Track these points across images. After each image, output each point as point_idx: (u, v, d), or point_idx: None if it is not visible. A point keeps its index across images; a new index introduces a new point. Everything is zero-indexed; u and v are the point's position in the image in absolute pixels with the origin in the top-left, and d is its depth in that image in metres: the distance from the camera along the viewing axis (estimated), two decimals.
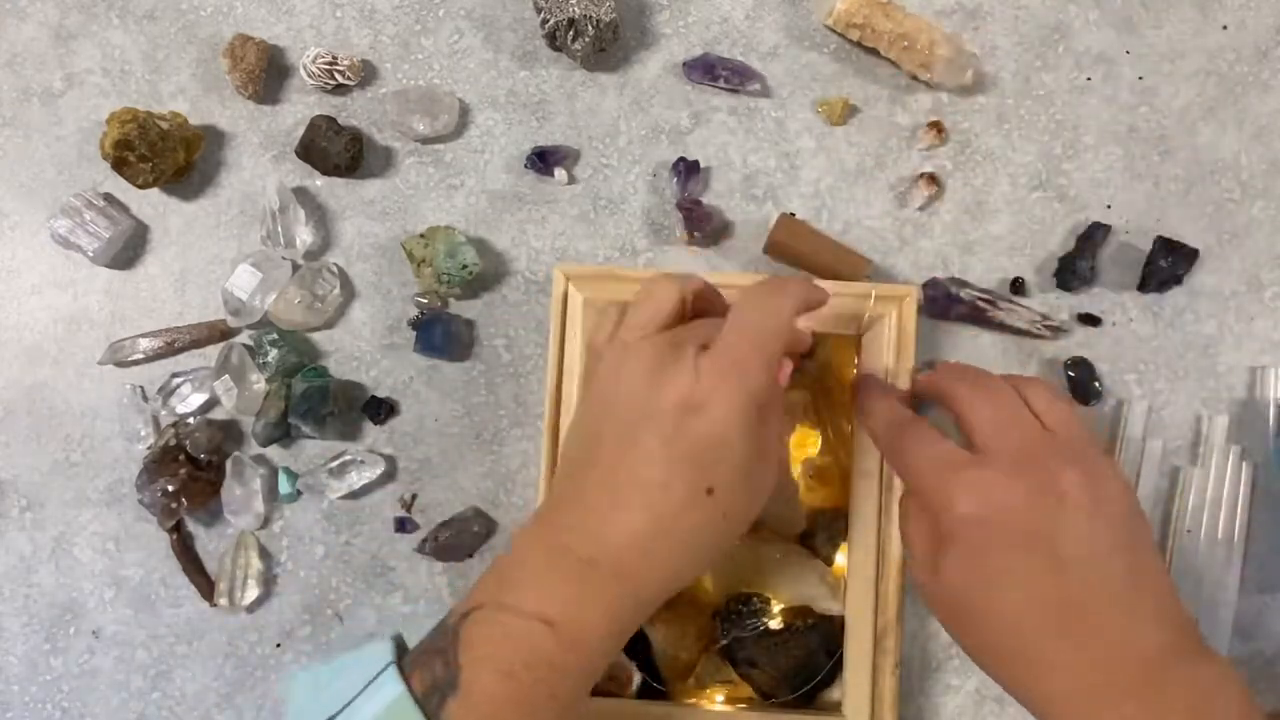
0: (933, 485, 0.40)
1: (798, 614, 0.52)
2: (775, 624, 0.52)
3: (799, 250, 0.55)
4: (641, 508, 0.38)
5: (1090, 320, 0.56)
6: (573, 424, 0.44)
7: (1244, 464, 0.56)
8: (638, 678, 0.52)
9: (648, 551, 0.38)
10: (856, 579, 0.50)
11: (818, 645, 0.51)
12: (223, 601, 0.55)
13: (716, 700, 0.52)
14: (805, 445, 0.54)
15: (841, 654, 0.51)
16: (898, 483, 0.51)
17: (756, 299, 0.41)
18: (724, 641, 0.52)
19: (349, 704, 0.38)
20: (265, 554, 0.56)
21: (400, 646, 0.42)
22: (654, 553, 0.39)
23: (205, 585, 0.56)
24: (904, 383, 0.51)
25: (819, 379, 0.54)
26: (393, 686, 0.38)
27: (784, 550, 0.52)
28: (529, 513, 0.56)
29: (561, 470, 0.43)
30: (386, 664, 0.39)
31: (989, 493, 0.38)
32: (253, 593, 0.55)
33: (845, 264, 0.55)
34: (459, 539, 0.55)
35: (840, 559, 0.53)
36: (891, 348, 0.51)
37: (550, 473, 0.51)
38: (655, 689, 0.52)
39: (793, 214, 0.57)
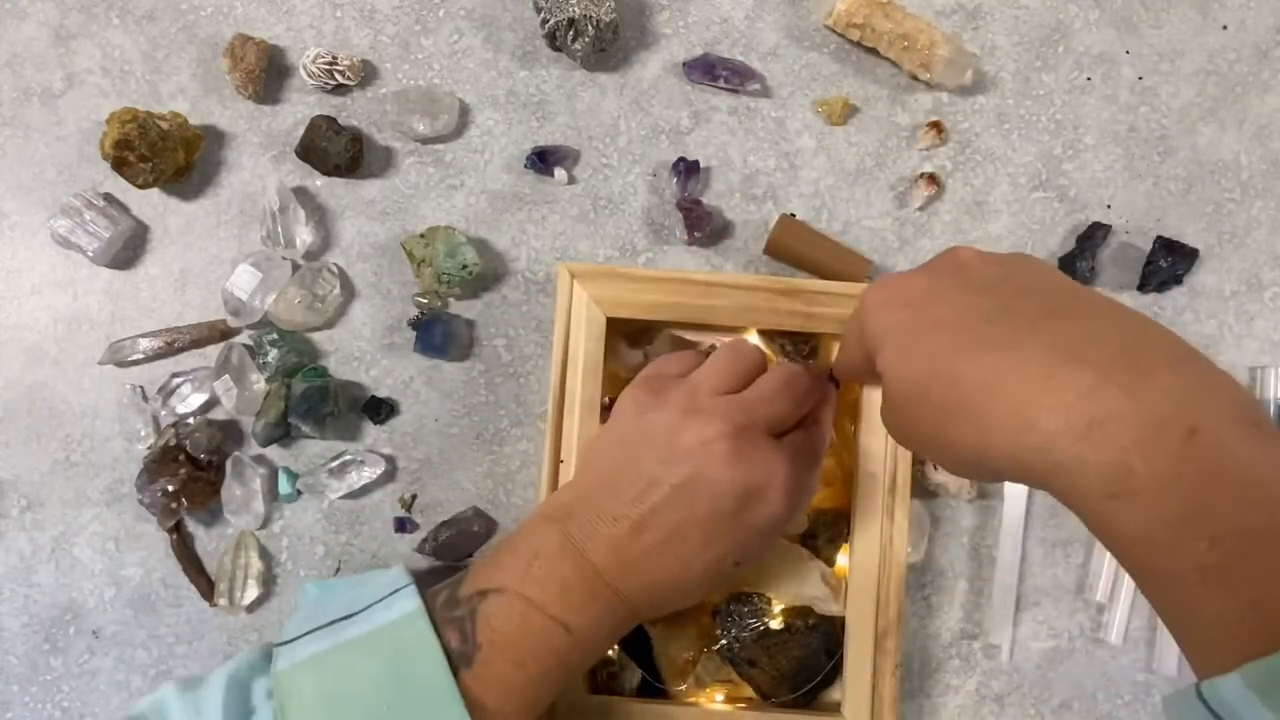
0: (860, 303, 0.39)
1: (798, 614, 0.52)
2: (776, 624, 0.52)
3: (799, 250, 0.55)
4: (675, 559, 0.42)
5: None
6: (614, 441, 0.45)
7: None
8: (637, 677, 0.52)
9: (666, 592, 0.43)
10: (858, 580, 0.50)
11: (818, 646, 0.51)
12: (223, 601, 0.55)
13: (716, 700, 0.52)
14: None
15: (841, 654, 0.51)
16: (900, 483, 0.50)
17: (824, 392, 0.47)
18: (724, 641, 0.52)
19: (365, 609, 0.42)
20: (265, 554, 0.56)
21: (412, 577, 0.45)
22: (671, 593, 0.43)
23: (205, 585, 0.56)
24: None
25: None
26: (409, 602, 0.42)
27: (785, 550, 0.52)
28: (529, 513, 0.56)
29: (596, 480, 0.44)
30: (405, 584, 0.43)
31: (896, 281, 0.38)
32: (253, 593, 0.55)
33: (845, 264, 0.55)
34: (459, 539, 0.55)
35: (842, 559, 0.53)
36: None
37: (554, 469, 0.51)
38: (655, 688, 0.52)
39: (793, 214, 0.57)
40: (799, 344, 0.54)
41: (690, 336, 0.55)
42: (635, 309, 0.52)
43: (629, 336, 0.55)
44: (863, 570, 0.50)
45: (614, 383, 0.54)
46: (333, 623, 0.42)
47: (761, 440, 0.43)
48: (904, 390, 0.36)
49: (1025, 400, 0.30)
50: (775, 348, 0.54)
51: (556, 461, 0.51)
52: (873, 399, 0.51)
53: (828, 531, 0.53)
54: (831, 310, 0.51)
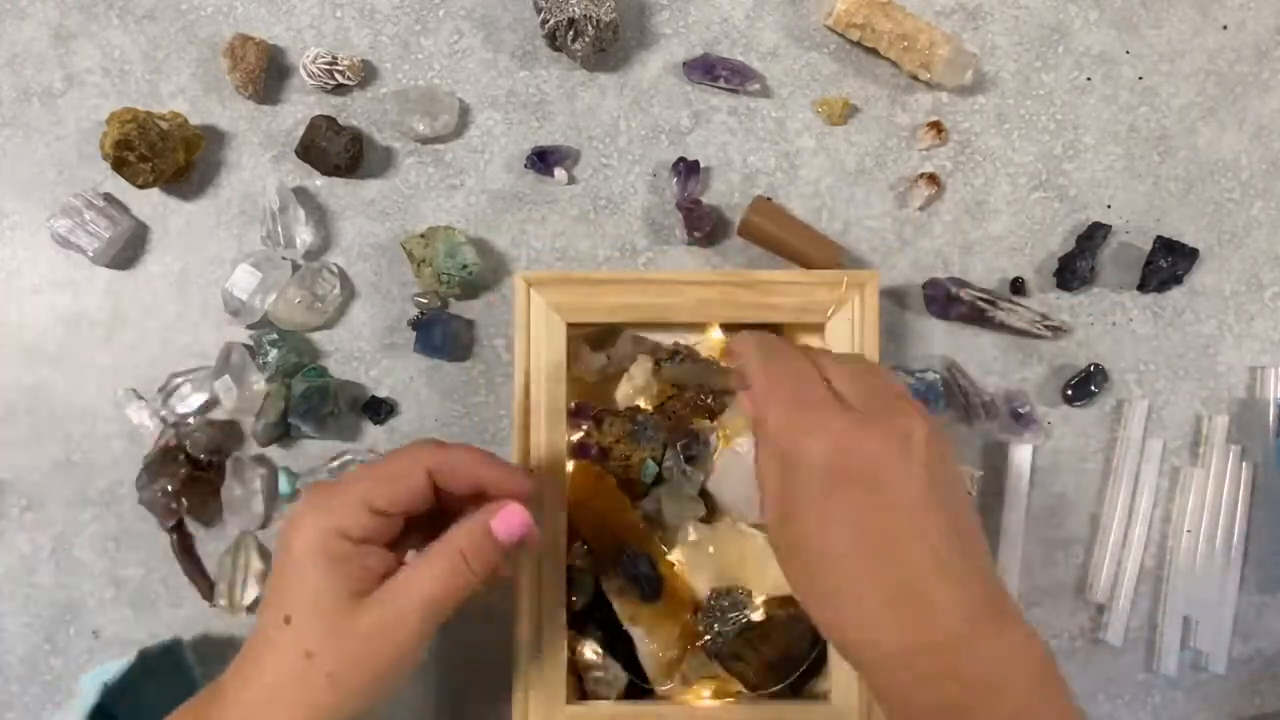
0: (793, 424, 0.38)
1: (779, 604, 0.52)
2: (757, 616, 0.52)
3: (772, 233, 0.55)
4: (246, 644, 0.40)
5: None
6: None
7: (1244, 464, 0.56)
8: (624, 678, 0.52)
9: (243, 697, 0.39)
10: None
11: (801, 634, 0.51)
12: (223, 601, 0.55)
13: (704, 696, 0.53)
14: None
15: (825, 642, 0.51)
16: None
17: (403, 446, 0.43)
18: (707, 637, 0.52)
19: None
20: (265, 554, 0.56)
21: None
22: (250, 700, 0.39)
23: (205, 585, 0.56)
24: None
25: None
26: None
27: (763, 541, 0.52)
28: None
29: None
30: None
31: (843, 439, 0.36)
32: (253, 593, 0.55)
33: (817, 249, 0.55)
34: None
35: None
36: (856, 332, 0.51)
37: (535, 464, 0.52)
38: (642, 689, 0.52)
39: (769, 198, 0.57)
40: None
41: (652, 336, 0.55)
42: (595, 313, 0.52)
43: (591, 340, 0.55)
44: None
45: (578, 387, 0.54)
46: None
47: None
48: (798, 541, 0.38)
49: (887, 625, 0.36)
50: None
51: (529, 469, 0.51)
52: None
53: None
54: (789, 300, 0.51)
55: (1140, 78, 0.58)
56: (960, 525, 0.37)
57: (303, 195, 0.57)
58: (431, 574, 0.40)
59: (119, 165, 0.54)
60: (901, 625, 0.36)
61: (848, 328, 0.51)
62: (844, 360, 0.40)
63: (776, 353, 0.40)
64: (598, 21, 0.54)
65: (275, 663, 0.39)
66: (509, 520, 0.41)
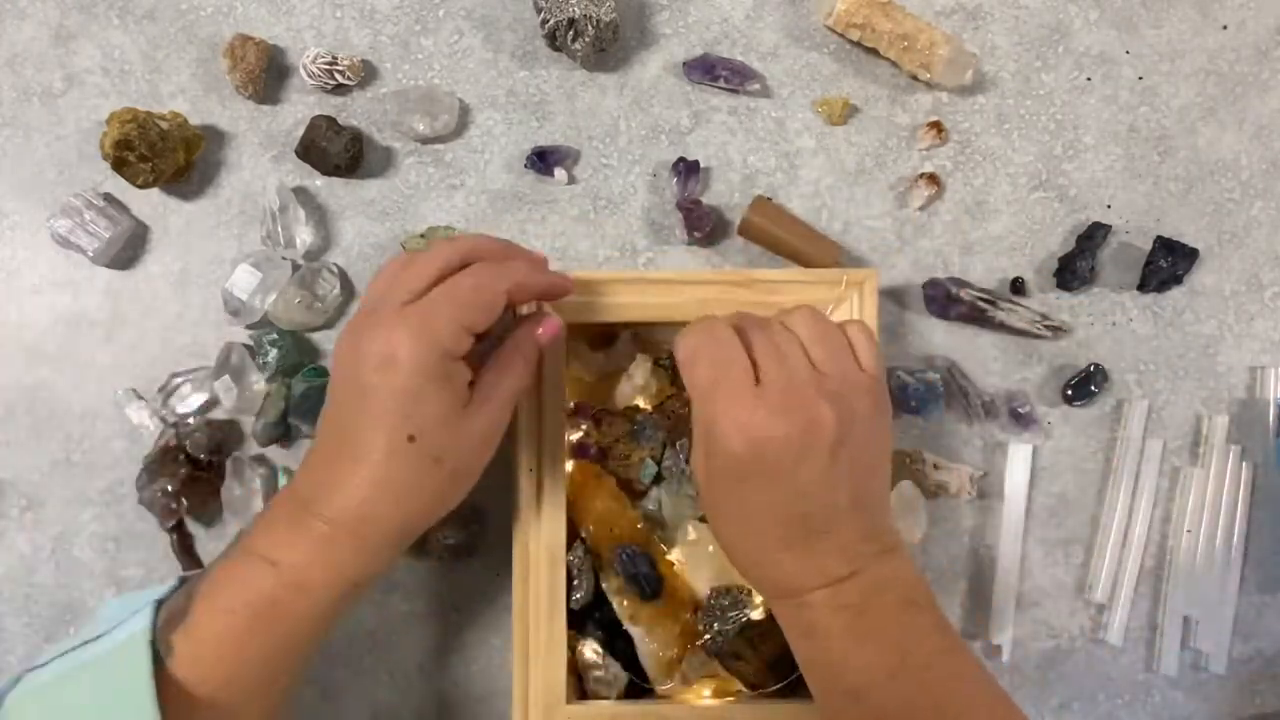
0: (711, 410, 0.43)
1: None
2: (757, 615, 0.52)
3: (772, 233, 0.55)
4: (352, 461, 0.42)
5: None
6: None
7: (1244, 464, 0.56)
8: (624, 678, 0.52)
9: (364, 501, 0.42)
10: None
11: None
12: None
13: (704, 695, 0.53)
14: None
15: None
16: None
17: (476, 269, 0.45)
18: (707, 636, 0.52)
19: (109, 631, 0.42)
20: None
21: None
22: (370, 502, 0.42)
23: None
24: None
25: None
26: (141, 620, 0.41)
27: None
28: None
29: (317, 429, 0.46)
30: (153, 598, 0.43)
31: (752, 433, 0.42)
32: None
33: (817, 249, 0.55)
34: (459, 539, 0.55)
35: None
36: None
37: (525, 476, 0.51)
38: (642, 688, 0.52)
39: (769, 198, 0.57)
40: None
41: (652, 336, 0.55)
42: (595, 313, 0.52)
43: (590, 340, 0.55)
44: None
45: (577, 387, 0.55)
46: (80, 645, 0.42)
47: (379, 310, 0.43)
48: (715, 504, 0.45)
49: (796, 574, 0.44)
50: None
51: (528, 469, 0.51)
52: None
53: None
54: (789, 299, 0.51)
55: (1140, 78, 0.58)
56: (863, 488, 0.44)
57: (303, 195, 0.57)
58: (512, 375, 0.46)
59: (119, 165, 0.54)
60: (808, 573, 0.43)
61: None
62: (777, 334, 0.45)
63: (710, 339, 0.45)
64: (598, 21, 0.54)
65: (403, 469, 0.42)
66: (552, 330, 0.48)
